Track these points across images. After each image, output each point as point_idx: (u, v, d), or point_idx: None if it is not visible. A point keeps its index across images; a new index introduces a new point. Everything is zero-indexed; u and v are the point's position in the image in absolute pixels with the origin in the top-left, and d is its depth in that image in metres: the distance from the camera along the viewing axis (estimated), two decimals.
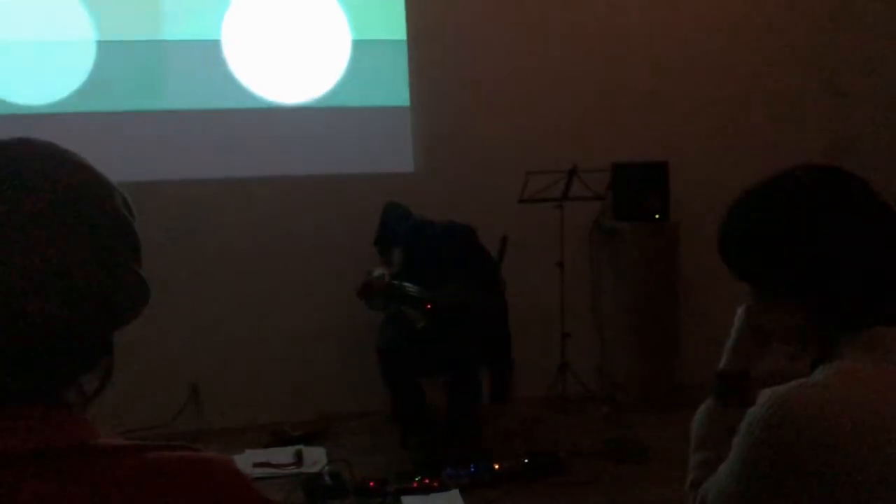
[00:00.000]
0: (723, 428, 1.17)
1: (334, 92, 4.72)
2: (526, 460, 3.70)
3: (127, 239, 0.84)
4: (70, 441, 0.76)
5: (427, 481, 3.53)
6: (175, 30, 4.50)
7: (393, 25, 4.74)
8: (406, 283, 4.01)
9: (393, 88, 4.77)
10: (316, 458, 3.92)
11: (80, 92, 4.41)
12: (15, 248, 0.75)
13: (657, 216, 4.65)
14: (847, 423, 1.00)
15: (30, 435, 0.75)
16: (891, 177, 4.42)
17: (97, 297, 0.79)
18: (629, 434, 4.17)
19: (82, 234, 0.79)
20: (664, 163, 4.69)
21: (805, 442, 1.00)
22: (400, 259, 4.24)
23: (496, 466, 3.65)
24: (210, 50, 4.55)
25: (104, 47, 4.41)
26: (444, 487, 3.51)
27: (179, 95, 4.55)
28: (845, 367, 1.08)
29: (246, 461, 3.87)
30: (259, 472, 3.77)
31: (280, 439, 4.18)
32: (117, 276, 0.81)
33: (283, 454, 3.95)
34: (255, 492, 0.82)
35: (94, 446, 0.77)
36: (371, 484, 3.51)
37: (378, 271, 4.15)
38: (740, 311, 1.35)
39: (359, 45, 4.73)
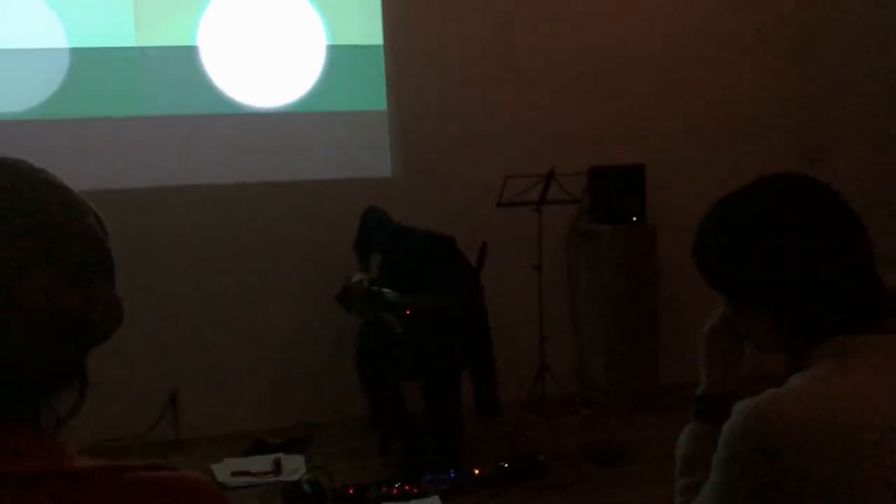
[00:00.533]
0: (708, 449, 1.17)
1: (311, 97, 4.71)
2: (506, 465, 3.69)
3: (101, 259, 0.83)
4: (44, 465, 0.75)
5: (407, 487, 3.52)
6: (151, 36, 4.47)
7: (370, 30, 4.74)
8: (385, 289, 4.01)
9: (370, 93, 4.76)
10: (295, 466, 3.89)
11: (55, 99, 4.36)
12: None
13: (634, 218, 4.68)
14: (820, 430, 1.01)
15: (2, 459, 0.73)
16: (862, 185, 4.48)
17: (70, 319, 0.78)
18: (609, 436, 4.18)
19: (55, 254, 0.78)
20: (641, 165, 4.72)
21: (782, 450, 1.01)
22: (379, 265, 4.23)
23: (476, 471, 3.64)
24: (186, 56, 4.52)
25: (79, 54, 4.37)
26: (424, 493, 3.50)
27: (156, 101, 4.51)
28: (817, 374, 1.09)
29: (224, 470, 3.85)
30: (238, 480, 3.75)
31: (259, 448, 4.15)
32: (91, 297, 0.80)
33: (262, 462, 3.92)
34: None
35: (68, 470, 0.75)
36: (350, 491, 3.50)
37: (357, 276, 4.14)
38: (704, 331, 1.36)
39: (335, 50, 4.72)
